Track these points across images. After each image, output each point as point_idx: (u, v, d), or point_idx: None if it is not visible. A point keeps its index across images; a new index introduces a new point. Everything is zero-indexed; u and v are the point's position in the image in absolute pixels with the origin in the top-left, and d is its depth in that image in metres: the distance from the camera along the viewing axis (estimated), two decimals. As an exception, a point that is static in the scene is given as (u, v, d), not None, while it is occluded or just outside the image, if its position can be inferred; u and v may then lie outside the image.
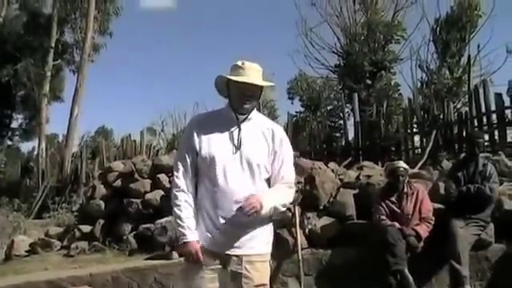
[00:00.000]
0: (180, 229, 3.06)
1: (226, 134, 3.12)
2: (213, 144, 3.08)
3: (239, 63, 3.12)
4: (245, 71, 3.07)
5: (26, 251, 9.34)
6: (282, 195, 3.14)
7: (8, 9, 32.77)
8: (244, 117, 3.15)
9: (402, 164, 6.60)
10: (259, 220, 3.06)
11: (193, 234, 3.03)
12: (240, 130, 3.10)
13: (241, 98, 3.10)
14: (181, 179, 3.12)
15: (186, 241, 3.02)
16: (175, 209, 3.11)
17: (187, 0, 64.46)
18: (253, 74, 3.09)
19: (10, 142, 34.89)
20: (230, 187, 2.99)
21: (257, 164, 3.06)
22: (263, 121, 3.26)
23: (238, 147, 3.06)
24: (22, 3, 32.74)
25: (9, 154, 28.15)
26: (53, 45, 28.75)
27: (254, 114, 3.21)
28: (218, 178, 3.01)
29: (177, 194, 3.12)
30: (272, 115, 22.87)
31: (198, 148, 3.09)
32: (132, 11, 60.38)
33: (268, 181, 3.17)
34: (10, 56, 28.93)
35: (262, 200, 2.96)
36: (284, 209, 3.27)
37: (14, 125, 35.41)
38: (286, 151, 3.21)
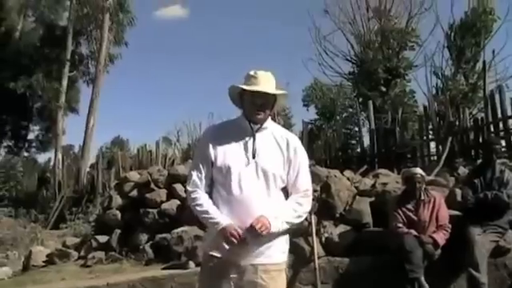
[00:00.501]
0: (210, 220, 3.02)
1: (241, 143, 3.11)
2: (228, 154, 3.08)
3: (252, 72, 3.13)
4: (257, 80, 3.08)
5: (44, 262, 9.40)
6: (294, 208, 3.11)
7: (24, 22, 33.17)
8: (258, 126, 3.14)
9: (418, 171, 6.56)
10: (272, 233, 3.02)
11: (223, 218, 2.98)
12: (254, 139, 3.10)
13: (254, 108, 3.09)
14: (195, 186, 3.12)
15: (221, 227, 2.95)
16: (197, 208, 3.09)
17: (200, 9, 64.94)
18: (265, 82, 3.09)
19: (26, 154, 35.17)
20: (245, 197, 2.98)
21: (272, 174, 3.05)
22: (277, 130, 3.25)
23: (252, 157, 3.05)
24: (38, 16, 33.12)
25: (26, 165, 28.32)
26: (68, 56, 28.97)
27: (269, 123, 3.20)
28: (234, 188, 3.00)
29: (194, 195, 3.11)
30: (287, 123, 22.90)
31: (213, 158, 3.09)
32: (146, 20, 60.81)
33: (284, 190, 3.15)
34: (27, 68, 29.19)
35: (270, 220, 2.95)
36: (300, 220, 3.23)
37: (31, 136, 35.86)
38: (302, 160, 3.19)
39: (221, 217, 2.98)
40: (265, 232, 2.89)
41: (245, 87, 3.08)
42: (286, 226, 3.06)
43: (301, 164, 3.18)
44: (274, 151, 3.13)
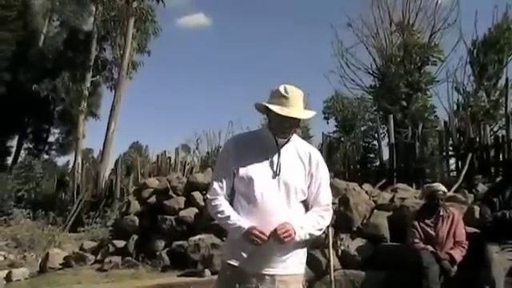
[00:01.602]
0: (232, 226, 2.99)
1: (265, 156, 3.09)
2: (250, 166, 3.07)
3: (282, 90, 3.05)
4: (288, 101, 3.01)
5: (60, 264, 9.49)
6: (317, 221, 3.09)
7: (49, 26, 33.56)
8: (284, 141, 3.12)
9: (441, 187, 6.54)
10: (293, 242, 3.02)
11: (245, 222, 2.95)
12: (279, 154, 3.08)
13: (281, 128, 3.07)
14: (216, 194, 3.11)
15: (245, 230, 2.92)
16: (218, 215, 3.07)
17: (222, 19, 65.23)
18: (296, 103, 3.03)
19: (46, 156, 35.47)
20: (266, 208, 2.98)
21: (294, 187, 3.04)
22: (300, 143, 3.23)
23: (277, 173, 3.04)
24: (63, 20, 33.48)
25: (45, 167, 28.57)
26: (92, 61, 29.25)
27: (293, 136, 3.18)
28: (255, 199, 3.00)
29: (214, 203, 3.10)
30: (305, 134, 22.88)
31: (234, 169, 3.09)
32: (170, 28, 61.20)
33: (304, 203, 3.14)
34: (50, 71, 29.53)
35: (296, 228, 2.93)
36: (320, 233, 3.22)
37: (51, 139, 36.16)
38: (323, 174, 3.18)
39: (243, 221, 2.97)
40: (287, 239, 2.88)
41: (276, 110, 2.99)
42: (308, 238, 3.05)
43: (322, 178, 3.17)
44: (297, 164, 3.12)
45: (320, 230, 3.13)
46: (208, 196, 3.16)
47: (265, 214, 2.97)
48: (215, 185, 3.14)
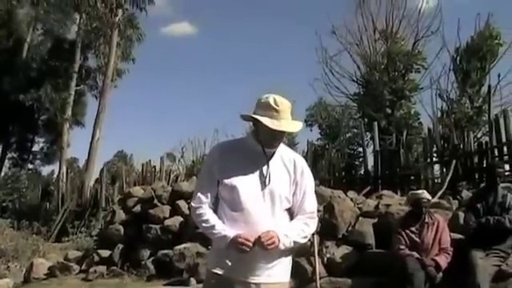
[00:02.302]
0: (217, 235, 2.98)
1: (253, 166, 3.07)
2: (235, 174, 3.04)
3: (272, 102, 3.00)
4: (279, 114, 2.97)
5: (45, 274, 9.43)
6: (302, 228, 3.09)
7: (33, 34, 33.41)
8: (272, 152, 3.10)
9: (426, 195, 6.58)
10: (278, 250, 3.01)
11: (230, 231, 2.94)
12: (268, 165, 3.06)
13: (271, 140, 3.05)
14: (200, 202, 3.09)
15: (230, 239, 2.91)
16: (203, 224, 3.06)
17: (209, 27, 65.27)
18: (285, 116, 3.00)
19: (31, 166, 35.29)
20: (251, 216, 2.98)
21: (279, 195, 3.04)
22: (285, 151, 3.21)
23: (266, 183, 3.02)
24: (47, 29, 33.35)
25: (30, 177, 28.40)
26: (76, 70, 29.16)
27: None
28: (239, 207, 2.99)
29: (198, 212, 3.08)
30: (290, 142, 22.90)
31: (219, 177, 3.07)
32: (155, 37, 61.21)
33: (289, 211, 3.14)
34: (35, 80, 29.38)
35: (280, 236, 2.92)
36: (305, 241, 3.22)
37: (36, 148, 35.92)
38: (308, 181, 3.17)
39: (228, 230, 2.95)
40: (271, 247, 2.87)
41: (267, 124, 2.95)
42: (292, 245, 3.04)
43: (307, 186, 3.16)
44: (282, 172, 3.11)
45: (305, 237, 3.12)
46: (192, 204, 3.13)
47: (249, 222, 2.97)
48: (200, 193, 3.12)
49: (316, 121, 24.49)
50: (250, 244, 2.86)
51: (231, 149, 3.21)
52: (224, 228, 2.98)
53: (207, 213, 3.07)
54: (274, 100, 3.00)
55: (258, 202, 3.00)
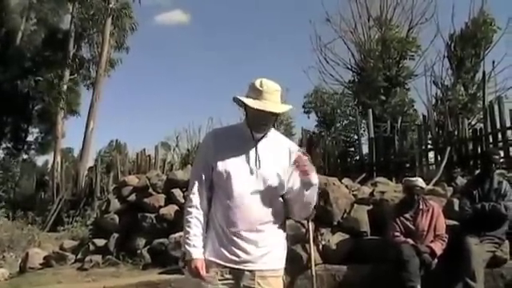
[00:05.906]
0: (186, 246, 3.03)
1: (243, 151, 3.08)
2: (229, 160, 3.05)
3: (257, 84, 3.03)
4: (263, 95, 2.99)
5: (40, 264, 9.40)
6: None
7: (26, 24, 33.20)
8: (261, 136, 3.11)
9: (419, 183, 6.56)
10: (273, 235, 3.05)
11: (198, 252, 3.00)
12: (257, 149, 3.07)
13: (258, 122, 3.06)
14: (195, 195, 3.10)
15: (190, 258, 2.99)
16: (185, 225, 3.09)
17: (201, 15, 65.04)
18: (271, 97, 3.01)
19: (25, 156, 35.14)
20: (244, 203, 2.98)
21: (272, 181, 3.03)
22: (279, 139, 3.23)
23: (254, 166, 3.04)
24: (41, 19, 33.14)
25: (24, 167, 28.34)
26: (70, 60, 29.04)
27: (270, 131, 3.18)
28: (233, 194, 2.99)
29: (189, 209, 3.10)
30: (288, 132, 22.89)
31: (213, 163, 3.07)
32: (147, 25, 60.96)
33: (283, 197, 3.14)
34: (28, 70, 29.24)
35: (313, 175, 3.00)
36: (312, 211, 3.25)
37: (30, 138, 35.80)
38: None
39: (194, 248, 3.01)
40: (306, 168, 2.95)
41: (250, 104, 2.99)
42: (314, 200, 3.14)
43: None
44: (275, 160, 3.10)
45: (314, 205, 3.21)
46: (190, 195, 3.14)
47: (243, 209, 2.98)
48: (195, 181, 3.13)
49: (314, 108, 24.45)
50: (198, 275, 2.96)
51: (225, 135, 3.22)
52: (196, 244, 3.02)
53: (194, 218, 3.08)
54: (260, 82, 3.04)
55: (252, 189, 3.01)
